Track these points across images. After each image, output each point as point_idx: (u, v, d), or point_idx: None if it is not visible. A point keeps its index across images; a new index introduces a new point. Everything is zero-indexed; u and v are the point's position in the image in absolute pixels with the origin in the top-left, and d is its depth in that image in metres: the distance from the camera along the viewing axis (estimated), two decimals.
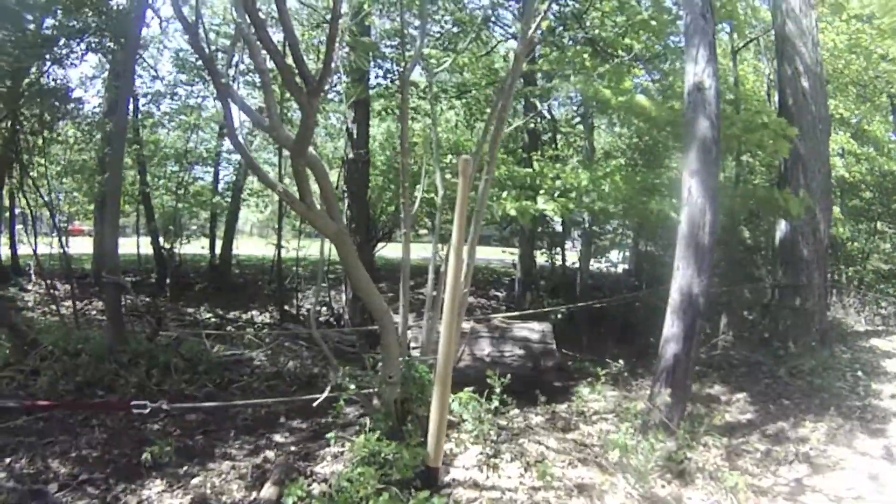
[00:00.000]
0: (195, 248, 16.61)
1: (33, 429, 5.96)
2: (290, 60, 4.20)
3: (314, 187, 4.63)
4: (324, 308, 13.68)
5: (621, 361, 7.17)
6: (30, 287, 13.54)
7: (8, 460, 5.29)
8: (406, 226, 5.36)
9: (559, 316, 9.31)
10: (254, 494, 4.81)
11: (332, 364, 5.42)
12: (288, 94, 11.32)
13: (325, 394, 5.06)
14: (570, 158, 9.52)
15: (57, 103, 11.27)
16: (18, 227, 15.64)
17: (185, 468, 5.29)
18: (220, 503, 4.73)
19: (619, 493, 4.69)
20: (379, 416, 4.95)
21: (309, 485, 4.72)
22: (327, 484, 4.79)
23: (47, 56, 10.59)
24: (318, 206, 4.64)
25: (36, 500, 4.76)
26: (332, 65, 4.05)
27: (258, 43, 4.49)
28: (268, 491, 4.68)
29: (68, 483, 4.99)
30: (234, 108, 4.68)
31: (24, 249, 15.31)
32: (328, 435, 4.94)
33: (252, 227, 30.42)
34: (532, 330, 8.25)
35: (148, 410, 4.67)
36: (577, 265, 14.40)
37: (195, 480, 5.04)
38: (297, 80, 4.07)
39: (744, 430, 6.36)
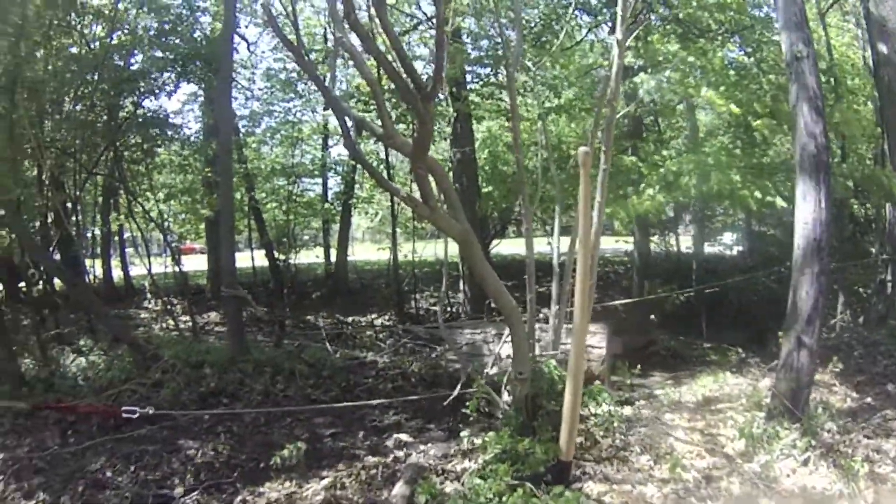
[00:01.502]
0: (310, 257, 17.13)
1: (157, 437, 6.19)
2: None
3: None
4: (445, 308, 13.78)
5: (740, 350, 6.99)
6: (146, 305, 14.23)
7: (133, 468, 5.49)
8: (527, 223, 5.38)
9: (678, 302, 9.16)
10: (385, 494, 4.87)
11: (463, 361, 5.49)
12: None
13: (457, 391, 5.13)
14: (675, 140, 9.25)
15: (156, 132, 11.84)
16: (128, 250, 16.57)
17: (313, 470, 5.41)
18: (351, 502, 4.81)
19: (746, 483, 4.58)
20: (510, 413, 4.97)
21: (441, 483, 4.77)
22: (459, 482, 4.82)
23: (141, 89, 11.22)
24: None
25: None
26: (443, 69, 4.11)
27: (364, 54, 4.61)
28: (399, 489, 4.74)
29: (194, 487, 5.17)
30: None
31: (135, 271, 16.29)
32: (462, 433, 4.98)
33: (364, 234, 30.91)
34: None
35: (136, 415, 4.92)
36: (691, 250, 14.11)
37: (325, 482, 5.13)
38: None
39: (864, 413, 5.98)
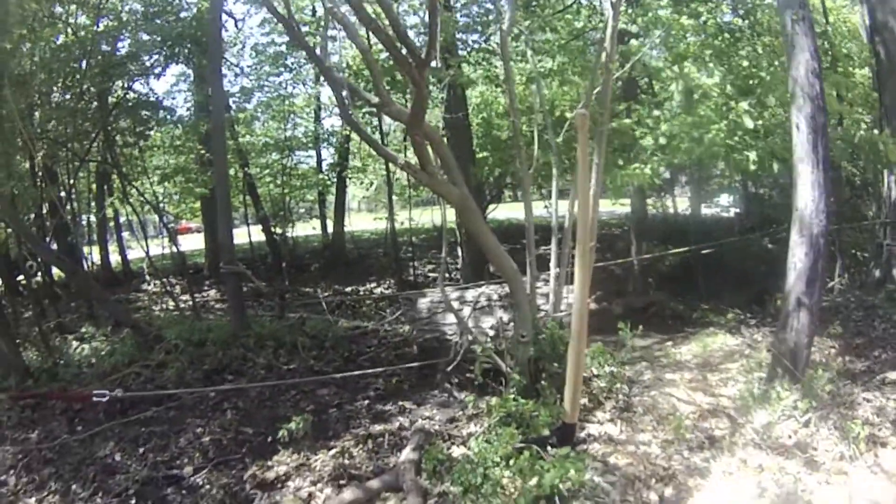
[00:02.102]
0: (307, 229, 17.31)
1: (164, 418, 6.20)
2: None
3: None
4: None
5: (738, 311, 7.02)
6: (145, 287, 14.16)
7: (141, 450, 5.53)
8: (525, 187, 5.38)
9: (674, 263, 9.20)
10: (392, 461, 4.91)
11: (464, 327, 5.50)
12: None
13: (459, 356, 5.15)
14: (668, 100, 9.10)
15: (147, 114, 11.82)
16: (124, 234, 16.54)
17: (320, 441, 5.44)
18: (360, 471, 4.85)
19: (748, 444, 4.62)
20: (513, 376, 4.98)
21: (448, 448, 4.82)
22: (465, 446, 4.87)
23: (131, 72, 11.19)
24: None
25: (172, 486, 4.97)
26: (437, 36, 4.07)
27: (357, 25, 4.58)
28: (407, 455, 4.77)
29: (203, 466, 5.20)
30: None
31: (132, 255, 16.24)
32: (467, 398, 5.00)
33: (360, 203, 30.55)
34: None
35: (107, 399, 4.96)
36: (687, 212, 14.06)
37: (332, 451, 5.17)
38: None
39: (864, 376, 6.02)
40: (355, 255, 17.26)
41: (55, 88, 10.61)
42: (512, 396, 4.71)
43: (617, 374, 5.59)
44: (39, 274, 10.54)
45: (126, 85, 11.46)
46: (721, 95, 8.19)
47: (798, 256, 5.49)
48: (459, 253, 12.84)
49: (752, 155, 7.57)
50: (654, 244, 12.09)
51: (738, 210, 14.40)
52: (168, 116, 12.70)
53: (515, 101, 5.45)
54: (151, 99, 11.97)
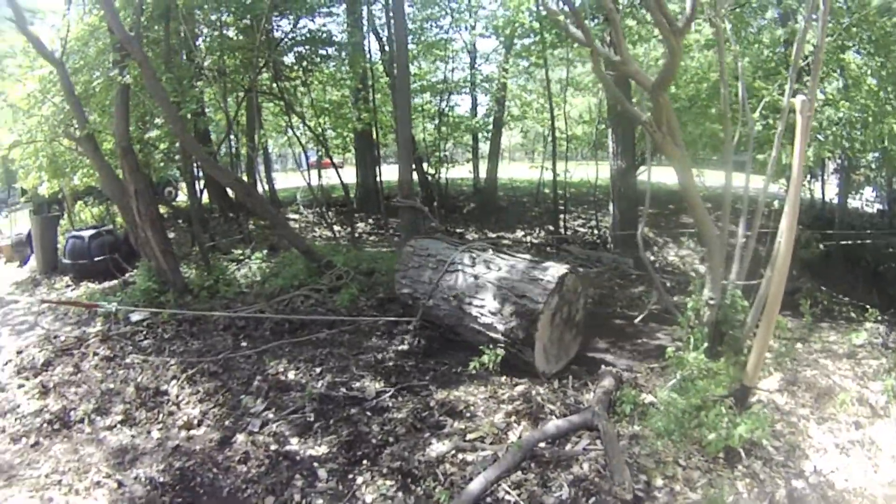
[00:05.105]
0: (460, 172, 17.55)
1: (338, 341, 6.48)
2: None
3: None
4: (592, 230, 14.18)
5: (877, 312, 7.18)
6: (292, 216, 14.81)
7: (318, 370, 5.80)
8: (727, 157, 5.59)
9: (816, 253, 9.26)
10: (584, 402, 5.17)
11: (657, 286, 5.89)
12: None
13: (646, 311, 5.52)
14: (827, 83, 8.86)
15: (316, 49, 12.37)
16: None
17: (505, 377, 5.61)
18: (556, 406, 5.07)
19: (887, 435, 4.87)
20: (698, 336, 5.27)
21: (637, 395, 5.12)
22: (652, 394, 5.25)
23: (304, 8, 11.56)
24: None
25: (355, 406, 5.15)
26: (696, 7, 4.43)
27: None
28: (598, 397, 5.06)
29: (386, 389, 5.39)
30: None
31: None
32: (668, 350, 5.28)
33: (502, 152, 30.97)
34: (532, 279, 5.95)
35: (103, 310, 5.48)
36: (833, 200, 13.88)
37: (519, 388, 5.39)
38: None
39: None
40: (505, 203, 17.39)
41: (223, 20, 11.02)
42: (701, 354, 5.01)
43: (788, 349, 5.90)
44: (184, 197, 11.07)
45: (294, 21, 11.88)
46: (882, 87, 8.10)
47: None
48: (612, 210, 12.69)
49: None
50: (800, 228, 11.95)
51: (880, 206, 14.12)
52: (339, 52, 13.12)
53: (725, 71, 5.60)
54: (320, 35, 12.36)
